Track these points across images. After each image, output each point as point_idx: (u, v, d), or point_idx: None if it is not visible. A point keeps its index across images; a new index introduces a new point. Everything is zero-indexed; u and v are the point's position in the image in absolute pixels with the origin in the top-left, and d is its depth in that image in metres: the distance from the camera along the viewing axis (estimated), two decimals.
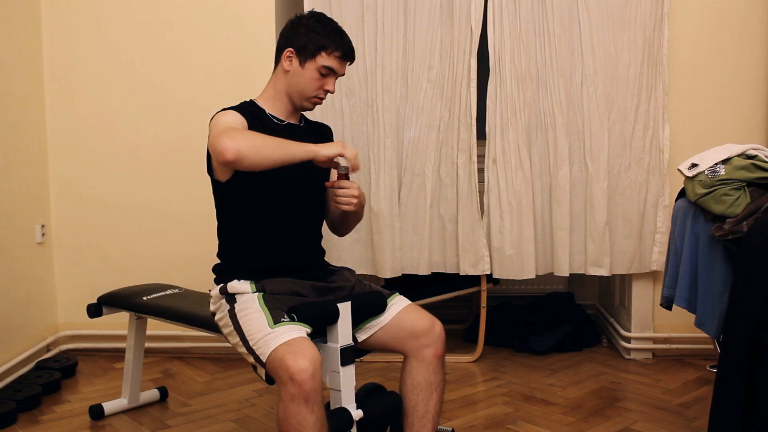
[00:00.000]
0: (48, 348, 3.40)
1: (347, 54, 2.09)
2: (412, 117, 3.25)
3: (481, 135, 3.25)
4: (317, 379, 1.74)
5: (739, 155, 2.19)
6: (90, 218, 3.44)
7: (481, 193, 3.29)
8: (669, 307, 2.46)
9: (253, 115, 2.06)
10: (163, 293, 2.74)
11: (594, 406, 2.79)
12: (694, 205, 2.27)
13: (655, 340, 3.38)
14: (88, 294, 3.04)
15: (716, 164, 2.19)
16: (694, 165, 2.24)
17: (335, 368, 1.91)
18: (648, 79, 3.20)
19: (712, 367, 3.12)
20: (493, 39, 3.19)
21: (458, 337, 3.72)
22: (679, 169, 2.30)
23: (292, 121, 2.16)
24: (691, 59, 3.24)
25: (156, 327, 3.06)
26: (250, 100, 2.15)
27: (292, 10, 3.53)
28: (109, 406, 2.75)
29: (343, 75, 2.14)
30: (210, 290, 2.11)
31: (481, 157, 3.27)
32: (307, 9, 3.22)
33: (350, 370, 1.92)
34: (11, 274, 3.13)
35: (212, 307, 2.09)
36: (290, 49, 2.06)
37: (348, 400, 1.91)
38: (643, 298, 3.36)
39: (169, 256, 3.41)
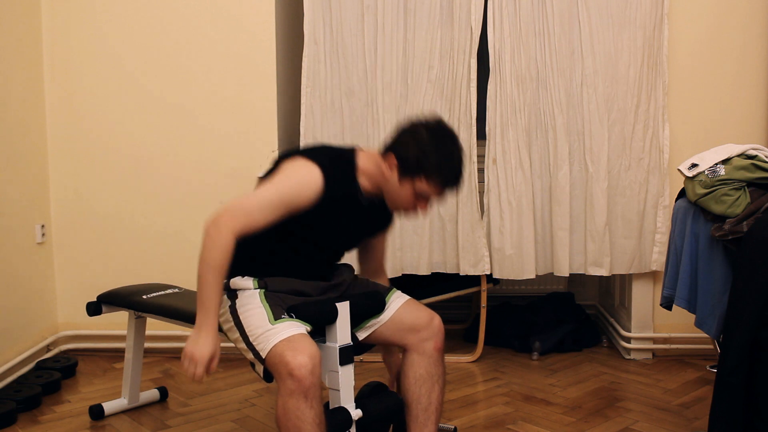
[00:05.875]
0: (48, 348, 3.40)
1: (449, 184, 1.89)
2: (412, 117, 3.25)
3: (481, 135, 3.25)
4: (316, 374, 1.75)
5: (739, 155, 2.19)
6: (90, 218, 3.44)
7: (481, 193, 3.29)
8: (669, 307, 2.46)
9: (342, 187, 1.90)
10: (162, 292, 2.74)
11: (594, 406, 2.79)
12: (694, 205, 2.27)
13: (655, 340, 3.37)
14: (88, 294, 3.03)
15: (716, 164, 2.19)
16: (694, 165, 2.24)
17: (334, 368, 1.91)
18: (648, 80, 3.19)
19: (712, 367, 3.12)
20: (493, 39, 3.19)
21: (458, 337, 3.71)
22: (679, 169, 2.30)
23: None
24: (691, 59, 3.24)
25: (156, 327, 3.05)
26: (352, 149, 1.98)
27: (292, 15, 3.53)
28: (109, 406, 2.75)
29: (443, 199, 1.98)
30: None
31: (481, 157, 3.27)
32: (306, 12, 3.22)
33: (349, 369, 1.92)
34: (11, 274, 3.13)
35: None
36: (394, 155, 1.90)
37: (347, 400, 1.92)
38: (643, 298, 3.35)
39: (169, 256, 3.40)
